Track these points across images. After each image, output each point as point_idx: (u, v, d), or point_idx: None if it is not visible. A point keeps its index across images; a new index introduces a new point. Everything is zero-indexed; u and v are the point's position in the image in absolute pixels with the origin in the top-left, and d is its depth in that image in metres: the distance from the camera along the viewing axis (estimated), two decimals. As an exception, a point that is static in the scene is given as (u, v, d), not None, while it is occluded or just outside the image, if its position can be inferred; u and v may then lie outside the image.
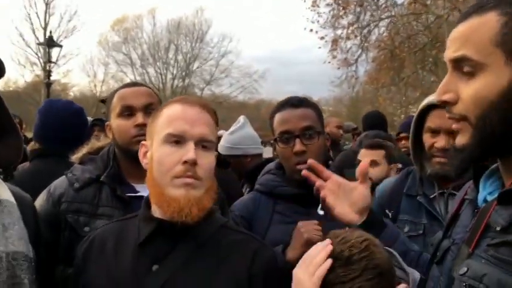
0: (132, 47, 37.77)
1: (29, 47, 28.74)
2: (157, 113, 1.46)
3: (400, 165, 3.21)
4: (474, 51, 1.01)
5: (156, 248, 1.39)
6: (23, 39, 28.73)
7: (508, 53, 0.99)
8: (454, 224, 1.22)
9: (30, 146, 3.02)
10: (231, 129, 3.91)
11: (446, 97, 1.06)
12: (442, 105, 1.09)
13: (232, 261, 1.39)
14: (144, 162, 1.47)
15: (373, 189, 2.04)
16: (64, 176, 1.96)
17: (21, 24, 34.88)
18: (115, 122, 1.94)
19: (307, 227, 1.73)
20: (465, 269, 1.00)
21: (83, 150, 2.11)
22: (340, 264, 1.21)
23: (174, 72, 37.92)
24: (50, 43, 15.21)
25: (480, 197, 1.11)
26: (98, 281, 1.40)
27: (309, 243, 1.55)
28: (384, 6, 15.81)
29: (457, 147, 1.08)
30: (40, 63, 26.23)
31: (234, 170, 3.70)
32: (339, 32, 16.09)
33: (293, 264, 1.37)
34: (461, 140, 1.07)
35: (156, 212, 1.42)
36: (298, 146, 1.88)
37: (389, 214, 2.11)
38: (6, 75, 1.50)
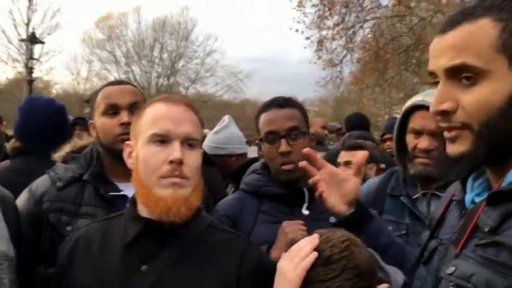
0: (117, 45, 37.42)
1: (11, 43, 28.24)
2: (141, 112, 1.45)
3: (383, 165, 3.24)
4: (475, 58, 1.00)
5: (144, 248, 1.38)
6: (5, 35, 28.28)
7: (510, 58, 0.99)
8: (441, 224, 1.22)
9: (11, 144, 2.98)
10: (216, 128, 3.90)
11: (445, 106, 1.04)
12: (439, 115, 1.06)
13: (220, 261, 1.39)
14: (129, 162, 1.45)
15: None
16: (46, 175, 1.94)
17: (3, 20, 34.24)
18: (99, 121, 1.92)
19: (291, 227, 1.74)
20: (453, 268, 1.00)
21: (66, 148, 2.09)
22: (320, 263, 1.22)
23: (159, 70, 37.67)
24: (33, 40, 15.03)
25: (468, 198, 1.12)
26: (84, 281, 1.39)
27: (293, 243, 1.55)
28: (368, 7, 15.92)
29: (454, 155, 1.06)
30: (22, 60, 25.83)
31: (218, 170, 3.70)
32: (324, 32, 16.17)
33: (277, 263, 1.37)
34: (459, 148, 1.05)
35: (143, 211, 1.40)
36: (283, 146, 1.88)
37: (373, 214, 2.13)
38: (-13, 71, 1.47)
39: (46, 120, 2.82)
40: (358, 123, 5.30)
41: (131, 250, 1.38)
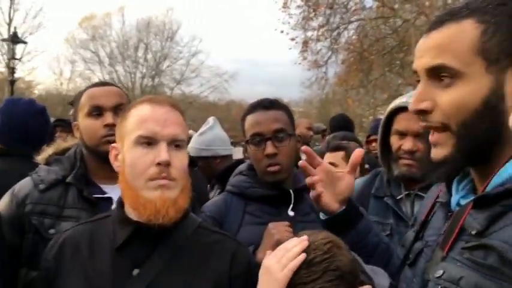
0: (101, 45, 37.05)
1: (-8, 42, 27.84)
2: (126, 113, 1.43)
3: (367, 166, 3.26)
4: (454, 59, 1.01)
5: (135, 251, 1.36)
6: (-14, 35, 27.81)
7: (488, 61, 1.00)
8: (426, 226, 1.23)
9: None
10: (200, 130, 3.88)
11: (423, 106, 1.05)
12: (418, 114, 1.08)
13: (212, 262, 1.39)
14: (115, 165, 1.43)
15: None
16: (29, 177, 1.91)
17: (-17, 19, 33.69)
18: (83, 122, 1.90)
19: (278, 228, 1.74)
20: (441, 271, 1.00)
21: (49, 150, 2.06)
22: (303, 265, 1.23)
23: (144, 71, 37.39)
24: (14, 39, 14.76)
25: (453, 201, 1.12)
26: (74, 286, 1.36)
27: (279, 244, 1.55)
28: (353, 9, 16.02)
29: (437, 159, 1.07)
30: (4, 60, 25.43)
31: (203, 172, 3.69)
32: (309, 33, 16.25)
33: None
34: (441, 151, 1.06)
35: (131, 214, 1.39)
36: (269, 148, 1.89)
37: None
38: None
39: (27, 122, 2.79)
40: (343, 124, 5.34)
41: (121, 254, 1.36)
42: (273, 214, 1.90)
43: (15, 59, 14.97)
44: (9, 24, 27.06)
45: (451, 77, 1.02)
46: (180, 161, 1.37)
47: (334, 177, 1.56)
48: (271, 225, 1.77)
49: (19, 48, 14.86)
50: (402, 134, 2.02)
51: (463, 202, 1.08)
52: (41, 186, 1.85)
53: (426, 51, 1.06)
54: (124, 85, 33.68)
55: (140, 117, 1.37)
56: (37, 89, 34.85)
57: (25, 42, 15.69)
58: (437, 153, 1.07)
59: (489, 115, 1.00)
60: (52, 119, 4.36)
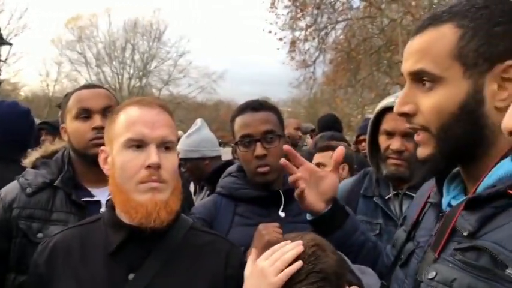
0: (87, 46, 36.84)
1: (-24, 44, 27.46)
2: (114, 116, 1.41)
3: (354, 166, 3.28)
4: (432, 64, 1.03)
5: (129, 255, 1.34)
6: (-30, 36, 27.43)
7: (465, 66, 1.01)
8: (417, 226, 1.24)
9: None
10: (188, 132, 3.87)
11: (406, 109, 1.08)
12: (402, 116, 1.10)
13: (207, 263, 1.39)
14: (105, 168, 1.41)
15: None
16: (16, 181, 1.89)
17: (-33, 20, 33.22)
18: (71, 125, 1.88)
19: (268, 229, 1.74)
20: (434, 273, 1.00)
21: (36, 154, 2.03)
22: None
23: (131, 72, 37.25)
24: (-1, 41, 14.60)
25: (444, 202, 1.13)
26: None
27: (269, 245, 1.56)
28: (340, 9, 16.09)
29: (421, 158, 1.10)
30: (-12, 61, 25.12)
31: (192, 173, 3.68)
32: (297, 33, 16.29)
33: None
34: (424, 151, 1.08)
35: (122, 217, 1.37)
36: (259, 149, 1.89)
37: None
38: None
39: (11, 124, 2.75)
40: (331, 124, 5.38)
41: (115, 258, 1.34)
42: (263, 215, 1.90)
43: (0, 60, 14.81)
44: (-7, 26, 26.72)
45: (432, 81, 1.04)
46: (170, 162, 1.35)
47: (317, 176, 1.56)
48: (261, 226, 1.77)
49: (4, 50, 14.72)
50: (390, 134, 2.03)
51: (454, 203, 1.09)
52: (28, 190, 1.83)
53: (410, 55, 1.08)
54: (111, 86, 33.49)
55: (129, 120, 1.36)
56: (23, 91, 34.56)
57: (10, 44, 15.52)
58: (421, 152, 1.10)
59: (467, 118, 1.02)
60: (38, 121, 4.31)
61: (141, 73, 37.24)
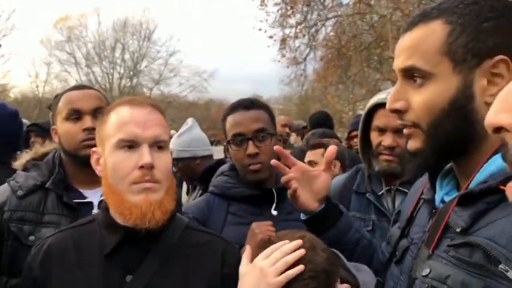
0: (77, 46, 36.59)
1: (-36, 45, 27.12)
2: (105, 116, 1.39)
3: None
4: (422, 61, 1.04)
5: (125, 257, 1.33)
6: (-42, 38, 27.09)
7: (454, 62, 1.02)
8: (411, 223, 1.24)
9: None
10: (179, 131, 3.87)
11: (398, 105, 1.09)
12: (393, 113, 1.11)
13: (203, 263, 1.38)
14: (98, 169, 1.40)
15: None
16: (6, 184, 1.88)
17: (-46, 21, 32.81)
18: (62, 126, 1.87)
19: (261, 228, 1.74)
20: (428, 270, 1.00)
21: (27, 156, 2.01)
22: None
23: (121, 71, 37.06)
24: (-13, 42, 14.45)
25: (437, 198, 1.14)
26: None
27: (263, 244, 1.56)
28: (330, 6, 16.14)
29: (410, 151, 1.10)
30: (-24, 63, 24.89)
31: (183, 173, 3.67)
32: (287, 31, 16.31)
33: None
34: (414, 144, 1.09)
35: (117, 218, 1.35)
36: (251, 148, 1.89)
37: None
38: None
39: (0, 126, 2.72)
40: (322, 121, 5.38)
41: (111, 260, 1.33)
42: (255, 214, 1.90)
43: (-11, 62, 14.66)
44: (-19, 27, 26.45)
45: (422, 78, 1.05)
46: (163, 162, 1.34)
47: (310, 176, 1.56)
48: (254, 225, 1.77)
49: (-8, 51, 14.56)
50: (382, 130, 2.04)
51: (447, 199, 1.09)
52: (19, 193, 1.82)
53: (401, 52, 1.09)
54: (102, 86, 33.30)
55: (120, 120, 1.34)
56: (12, 92, 34.23)
57: (-2, 45, 15.37)
58: (411, 145, 1.10)
59: (457, 114, 1.02)
60: (28, 122, 4.27)
61: (131, 73, 37.08)
